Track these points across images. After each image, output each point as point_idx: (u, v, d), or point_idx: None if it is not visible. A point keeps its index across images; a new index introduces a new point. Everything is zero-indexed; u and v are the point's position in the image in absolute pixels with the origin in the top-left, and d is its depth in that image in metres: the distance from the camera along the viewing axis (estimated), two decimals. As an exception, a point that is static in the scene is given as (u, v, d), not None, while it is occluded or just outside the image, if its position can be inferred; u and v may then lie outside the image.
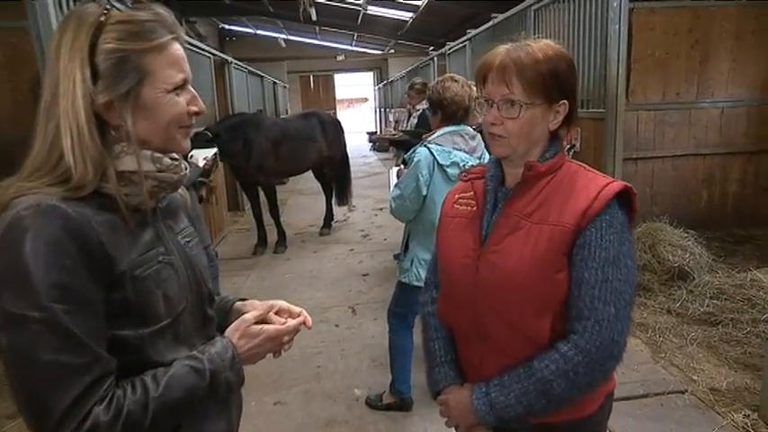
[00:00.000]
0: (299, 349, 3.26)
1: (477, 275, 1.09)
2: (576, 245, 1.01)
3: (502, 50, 1.05)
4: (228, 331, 0.97)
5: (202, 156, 3.54)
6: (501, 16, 5.09)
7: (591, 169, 1.10)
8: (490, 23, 5.40)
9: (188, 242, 1.00)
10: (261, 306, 1.07)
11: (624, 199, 1.03)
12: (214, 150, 3.81)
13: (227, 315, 1.09)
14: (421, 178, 2.28)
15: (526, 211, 1.06)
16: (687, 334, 3.02)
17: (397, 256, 5.09)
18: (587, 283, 0.99)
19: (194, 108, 0.93)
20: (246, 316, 1.00)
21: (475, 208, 1.16)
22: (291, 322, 1.04)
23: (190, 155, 3.49)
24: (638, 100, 4.17)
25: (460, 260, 1.14)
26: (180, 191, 1.03)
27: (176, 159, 0.95)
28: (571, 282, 1.01)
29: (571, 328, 1.02)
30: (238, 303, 1.14)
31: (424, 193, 2.31)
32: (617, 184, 1.02)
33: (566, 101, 1.05)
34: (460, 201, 1.21)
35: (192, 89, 0.93)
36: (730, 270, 3.59)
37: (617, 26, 3.05)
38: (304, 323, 1.07)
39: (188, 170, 0.98)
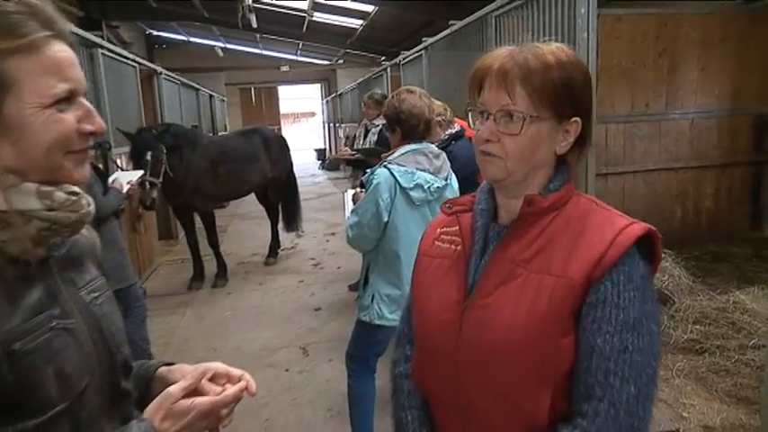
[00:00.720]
0: (243, 400, 3.05)
1: (459, 335, 0.96)
2: (586, 303, 0.87)
3: (504, 52, 0.93)
4: (149, 411, 0.83)
5: (126, 179, 3.31)
6: (459, 23, 5.12)
7: (605, 206, 0.97)
8: (448, 31, 5.44)
9: (95, 298, 0.86)
10: (191, 373, 0.91)
11: (645, 244, 0.91)
12: (139, 173, 3.58)
13: (150, 385, 0.96)
14: (381, 203, 2.18)
15: (523, 256, 0.93)
16: (673, 364, 3.02)
17: (352, 287, 4.98)
18: (601, 354, 0.85)
19: (88, 127, 0.78)
20: (172, 389, 0.85)
21: (460, 248, 1.03)
22: (230, 390, 0.90)
23: (112, 178, 3.25)
24: (606, 112, 4.26)
25: (440, 314, 1.01)
26: (85, 231, 0.89)
27: (75, 194, 0.79)
28: (579, 350, 0.88)
29: (578, 408, 0.88)
30: (163, 369, 0.98)
31: (385, 219, 2.21)
32: (638, 227, 0.89)
33: (578, 119, 0.93)
34: (443, 237, 1.08)
35: (87, 103, 0.78)
36: (711, 292, 3.66)
37: (585, 34, 3.09)
38: (246, 389, 0.92)
39: (91, 206, 0.83)
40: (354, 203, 2.53)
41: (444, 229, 1.10)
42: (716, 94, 4.46)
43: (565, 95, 0.91)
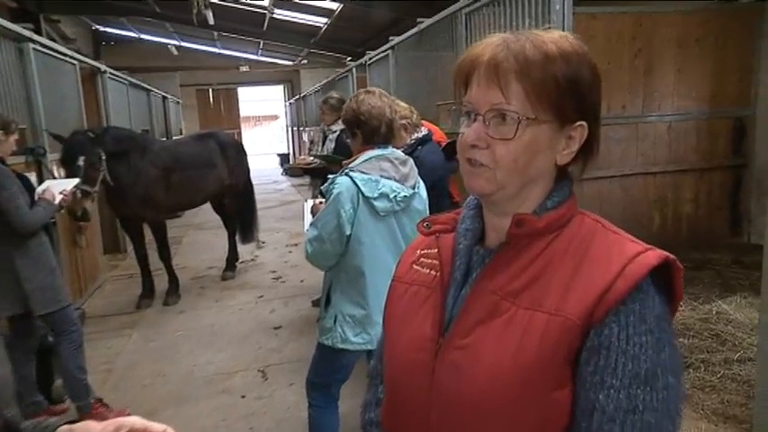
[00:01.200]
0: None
1: (432, 382, 0.84)
2: (586, 348, 0.75)
3: (496, 40, 0.81)
4: None
5: (59, 188, 3.10)
6: (428, 21, 5.07)
7: (614, 228, 0.84)
8: (415, 29, 5.38)
9: None
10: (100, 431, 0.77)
11: (661, 276, 0.77)
12: (74, 182, 3.37)
13: None
14: (343, 214, 2.07)
15: (512, 287, 0.81)
16: (656, 381, 2.98)
17: (316, 303, 4.85)
18: (603, 413, 0.73)
19: None
20: None
21: (439, 274, 0.91)
22: None
23: (43, 187, 3.05)
24: (582, 114, 4.24)
25: (411, 354, 0.89)
26: None
27: None
28: (577, 407, 0.76)
29: None
30: (63, 429, 0.83)
31: (348, 232, 2.10)
32: (653, 255, 0.75)
33: (584, 123, 0.82)
34: (423, 261, 0.97)
35: None
36: (693, 302, 3.66)
37: (562, 30, 3.05)
38: None
39: None
40: (314, 215, 2.41)
41: (425, 251, 0.97)
42: (693, 96, 4.51)
43: (569, 94, 0.79)
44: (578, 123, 0.81)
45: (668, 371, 0.74)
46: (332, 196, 2.11)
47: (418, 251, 0.99)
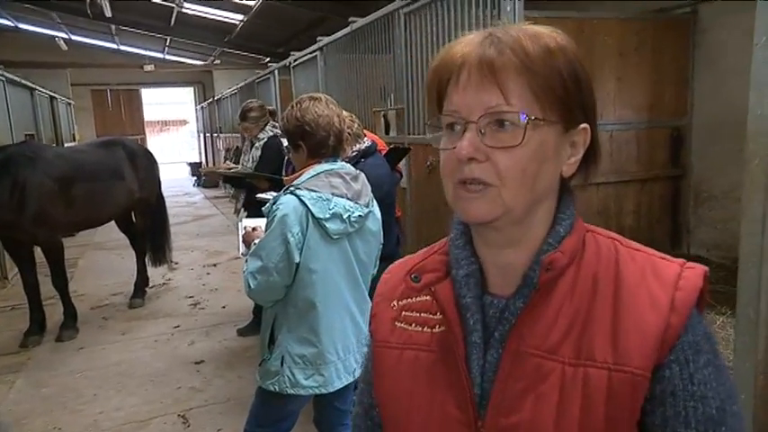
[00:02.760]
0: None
1: None
2: (648, 398, 0.69)
3: (478, 37, 0.73)
4: None
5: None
6: (361, 21, 5.00)
7: (629, 242, 0.79)
8: (348, 29, 5.30)
9: None
10: None
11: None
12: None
13: None
14: (291, 239, 1.92)
15: (550, 341, 0.72)
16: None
17: (243, 332, 4.60)
18: None
19: None
20: None
21: (441, 329, 0.80)
22: None
23: None
24: (525, 123, 4.31)
25: None
26: None
27: None
28: None
29: None
30: None
31: (297, 260, 1.94)
32: (694, 275, 0.71)
33: (587, 125, 0.76)
34: (407, 316, 0.85)
35: None
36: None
37: (512, 35, 3.05)
38: None
39: None
40: (245, 245, 2.22)
41: (406, 302, 0.86)
42: (633, 105, 4.70)
43: (575, 91, 0.73)
44: (582, 126, 0.75)
45: (732, 399, 0.72)
46: (276, 219, 1.95)
47: (395, 302, 0.87)
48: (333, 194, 2.00)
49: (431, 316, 0.82)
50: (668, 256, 0.75)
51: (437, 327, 0.81)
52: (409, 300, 0.86)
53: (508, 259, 0.77)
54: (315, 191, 1.97)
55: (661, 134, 4.89)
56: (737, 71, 4.37)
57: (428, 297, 0.83)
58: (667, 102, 4.84)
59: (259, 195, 3.91)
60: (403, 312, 0.86)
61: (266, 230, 2.00)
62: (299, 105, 2.08)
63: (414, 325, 0.84)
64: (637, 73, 4.68)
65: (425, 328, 0.82)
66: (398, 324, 0.85)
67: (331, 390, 2.05)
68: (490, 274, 0.79)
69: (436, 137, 0.76)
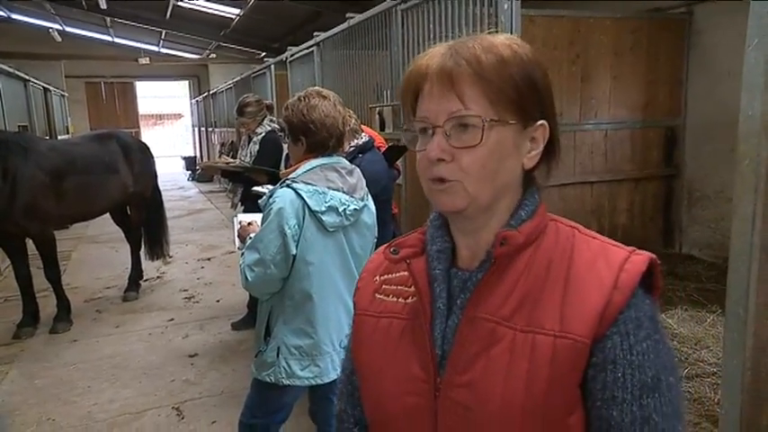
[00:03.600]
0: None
1: (437, 425, 0.84)
2: (591, 365, 0.78)
3: (440, 49, 0.84)
4: None
5: None
6: (359, 17, 5.00)
7: (589, 232, 0.88)
8: (345, 25, 5.30)
9: None
10: None
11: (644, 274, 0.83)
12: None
13: None
14: (288, 231, 1.94)
15: (504, 311, 0.82)
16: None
17: (237, 325, 4.62)
18: (620, 429, 0.77)
19: None
20: None
21: (413, 300, 0.90)
22: None
23: None
24: (520, 121, 4.33)
25: (402, 398, 0.87)
26: None
27: None
28: (591, 428, 0.79)
29: None
30: None
31: (294, 252, 1.97)
32: (639, 260, 0.80)
33: (545, 122, 0.84)
34: (386, 289, 0.96)
35: None
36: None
37: (509, 33, 3.07)
38: None
39: None
40: (241, 239, 2.24)
41: (386, 277, 0.97)
42: (628, 104, 4.74)
43: (528, 93, 0.82)
44: (540, 123, 0.84)
45: (669, 371, 0.79)
46: (272, 212, 1.97)
47: (377, 277, 0.98)
48: (329, 188, 2.02)
49: (405, 288, 0.92)
50: (621, 245, 0.84)
51: (410, 298, 0.91)
52: (389, 275, 0.96)
53: (475, 240, 0.86)
54: (311, 184, 1.99)
55: (655, 134, 4.93)
56: (731, 72, 4.42)
57: (405, 272, 0.92)
58: (662, 101, 4.88)
59: (254, 189, 3.92)
60: (383, 286, 0.96)
61: (262, 223, 2.01)
62: (306, 101, 2.06)
63: (390, 296, 0.94)
64: (632, 72, 4.71)
65: (400, 299, 0.93)
66: (378, 295, 0.96)
67: (326, 380, 2.08)
68: (460, 251, 0.89)
69: (411, 140, 0.87)
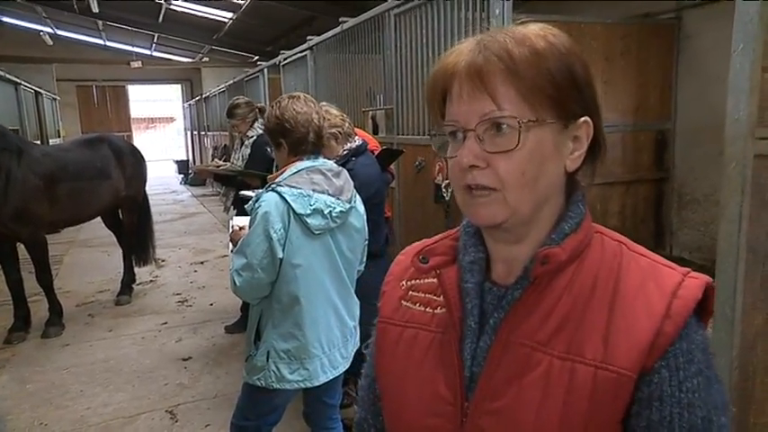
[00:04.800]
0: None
1: None
2: (635, 400, 0.70)
3: (468, 45, 0.75)
4: None
5: None
6: (351, 21, 5.03)
7: (638, 248, 0.79)
8: (338, 29, 5.32)
9: None
10: None
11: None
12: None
13: None
14: (274, 235, 1.95)
15: (541, 335, 0.74)
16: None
17: (230, 329, 4.61)
18: None
19: None
20: None
21: (442, 311, 0.83)
22: None
23: None
24: (513, 125, 4.36)
25: (425, 419, 0.80)
26: None
27: None
28: None
29: None
30: None
31: (280, 255, 1.98)
32: (695, 284, 0.72)
33: (588, 118, 0.76)
34: (413, 296, 0.88)
35: None
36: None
37: (501, 38, 3.10)
38: None
39: None
40: (233, 243, 2.25)
41: (414, 283, 0.90)
42: (619, 108, 4.77)
43: (569, 87, 0.73)
44: (583, 119, 0.75)
45: (720, 410, 0.71)
46: (258, 216, 1.98)
47: (404, 282, 0.91)
48: (314, 191, 2.03)
49: (435, 297, 0.85)
50: (674, 264, 0.76)
51: (439, 308, 0.84)
52: (417, 281, 0.89)
53: (512, 254, 0.79)
54: (295, 187, 2.01)
55: (646, 137, 4.97)
56: (720, 77, 4.43)
57: (435, 279, 0.85)
58: (652, 105, 4.93)
59: (242, 192, 3.93)
60: (410, 292, 0.89)
61: (249, 228, 2.03)
62: (278, 104, 2.13)
63: (418, 305, 0.87)
64: (622, 77, 4.75)
65: (428, 309, 0.85)
66: (404, 303, 0.89)
67: (316, 383, 2.09)
68: (495, 263, 0.81)
69: (442, 146, 0.79)
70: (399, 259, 0.96)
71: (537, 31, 0.74)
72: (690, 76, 4.88)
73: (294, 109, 2.08)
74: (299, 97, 2.14)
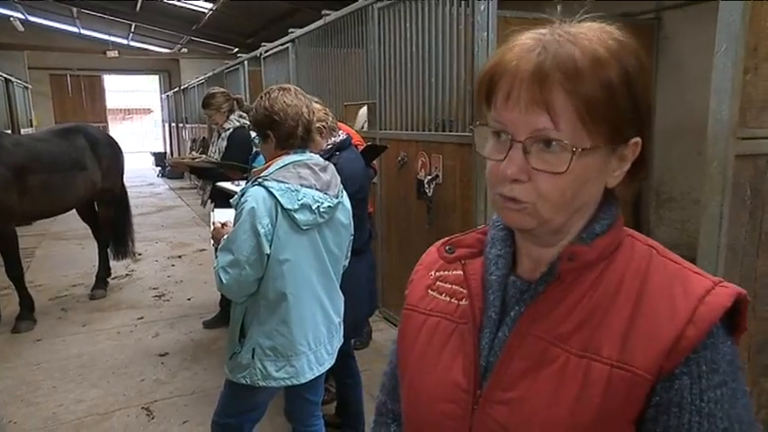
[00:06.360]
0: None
1: None
2: (652, 405, 0.69)
3: (531, 42, 0.70)
4: None
5: None
6: (334, 14, 4.99)
7: (670, 254, 0.78)
8: (320, 22, 5.28)
9: None
10: None
11: (728, 311, 0.72)
12: None
13: None
14: (261, 230, 1.92)
15: (561, 330, 0.74)
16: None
17: (209, 324, 4.56)
18: None
19: None
20: None
21: (466, 302, 0.83)
22: None
23: None
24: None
25: (439, 404, 0.81)
26: None
27: None
28: None
29: None
30: None
31: (267, 251, 1.95)
32: (725, 293, 0.69)
33: (639, 139, 0.73)
34: (440, 286, 0.89)
35: None
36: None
37: (485, 33, 3.11)
38: None
39: None
40: (215, 240, 2.22)
41: (442, 273, 0.90)
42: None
43: (626, 105, 0.69)
44: (633, 141, 0.73)
45: (743, 426, 0.70)
46: (244, 211, 1.94)
47: (432, 272, 0.92)
48: (301, 185, 2.00)
49: (461, 289, 0.86)
50: (705, 273, 0.74)
51: (464, 300, 0.84)
52: (445, 272, 0.90)
53: (540, 253, 0.79)
54: (283, 182, 1.98)
55: (625, 136, 5.03)
56: (698, 77, 4.53)
57: (459, 272, 0.86)
58: (632, 105, 4.99)
59: (219, 184, 3.87)
60: (437, 282, 0.90)
61: (235, 223, 1.99)
62: (267, 96, 2.08)
63: (444, 295, 0.88)
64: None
65: (453, 300, 0.86)
66: (431, 292, 0.90)
67: (302, 381, 2.07)
68: (522, 259, 0.82)
69: (480, 141, 0.76)
70: (431, 250, 0.95)
71: (599, 34, 0.70)
72: (669, 76, 4.95)
73: (284, 102, 2.04)
74: (290, 90, 2.10)
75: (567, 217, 0.74)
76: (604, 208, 0.77)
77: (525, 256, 0.81)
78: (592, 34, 0.70)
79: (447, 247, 0.87)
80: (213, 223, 2.35)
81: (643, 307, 0.71)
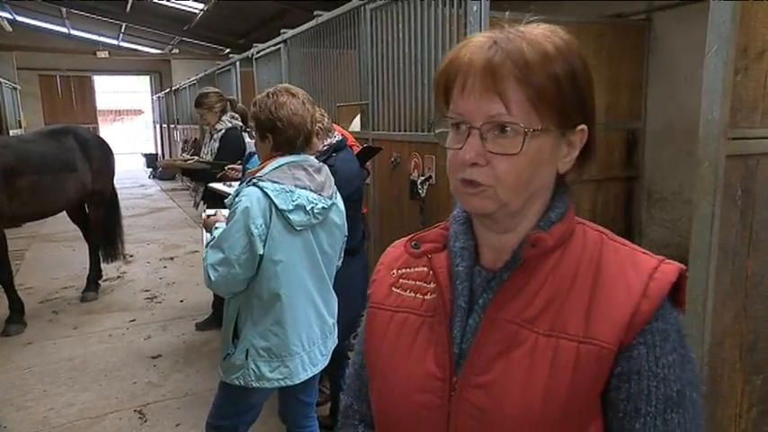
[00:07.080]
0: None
1: (448, 426, 0.81)
2: (614, 375, 0.76)
3: (483, 40, 0.77)
4: None
5: None
6: (326, 15, 4.99)
7: (617, 237, 0.85)
8: (312, 23, 5.27)
9: None
10: None
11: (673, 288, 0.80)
12: None
13: None
14: (255, 230, 1.92)
15: (528, 313, 0.79)
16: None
17: (201, 326, 4.55)
18: None
19: None
20: None
21: (432, 296, 0.87)
22: None
23: None
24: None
25: (415, 396, 0.84)
26: None
27: None
28: None
29: None
30: None
31: (261, 252, 1.95)
32: (670, 270, 0.77)
33: (585, 126, 0.80)
34: (404, 283, 0.92)
35: None
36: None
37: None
38: None
39: None
40: (207, 229, 2.22)
41: (405, 271, 0.94)
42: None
43: (571, 94, 0.77)
44: (580, 127, 0.80)
45: (692, 386, 0.78)
46: (238, 210, 1.94)
47: (395, 270, 0.95)
48: (296, 186, 2.00)
49: (425, 284, 0.89)
50: (650, 253, 0.82)
51: (429, 294, 0.88)
52: (408, 269, 0.93)
53: (501, 242, 0.84)
54: (278, 182, 1.98)
55: (617, 136, 5.05)
56: (689, 78, 4.57)
57: (425, 267, 0.90)
58: (623, 105, 5.00)
59: (211, 186, 3.86)
60: (400, 280, 0.93)
61: (228, 222, 1.99)
62: (275, 98, 2.04)
63: (408, 291, 0.91)
64: (595, 76, 4.73)
65: (418, 295, 0.89)
66: (395, 289, 0.93)
67: (296, 381, 2.07)
68: (484, 250, 0.86)
69: (441, 135, 0.82)
70: (389, 250, 0.99)
71: (548, 34, 0.77)
72: (659, 76, 4.98)
73: (291, 109, 2.02)
74: (299, 96, 2.07)
75: (524, 200, 0.79)
76: (557, 197, 0.84)
77: (486, 247, 0.86)
78: (539, 32, 0.77)
79: (413, 243, 0.89)
80: (206, 218, 2.35)
81: (600, 286, 0.78)
